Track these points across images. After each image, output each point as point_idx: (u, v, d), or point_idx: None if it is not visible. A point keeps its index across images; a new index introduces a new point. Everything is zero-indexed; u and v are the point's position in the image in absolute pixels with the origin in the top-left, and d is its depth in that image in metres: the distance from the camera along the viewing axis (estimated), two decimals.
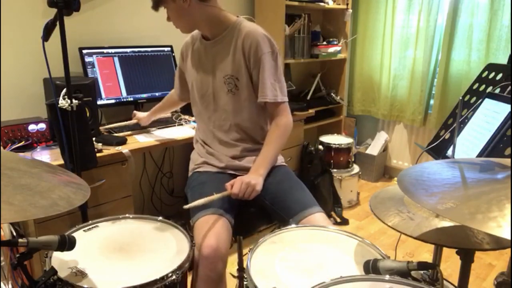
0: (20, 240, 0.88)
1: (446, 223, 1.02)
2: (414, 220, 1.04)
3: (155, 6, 1.43)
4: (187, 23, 1.44)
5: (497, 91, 1.43)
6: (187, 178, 1.60)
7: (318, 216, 1.35)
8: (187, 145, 2.48)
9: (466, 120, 1.43)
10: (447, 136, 1.52)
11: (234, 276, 1.71)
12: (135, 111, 2.04)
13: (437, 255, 1.26)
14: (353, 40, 3.54)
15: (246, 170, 1.47)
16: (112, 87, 2.15)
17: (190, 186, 1.51)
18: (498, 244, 0.94)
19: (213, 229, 1.26)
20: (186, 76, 1.62)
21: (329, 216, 2.81)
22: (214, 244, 1.21)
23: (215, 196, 1.28)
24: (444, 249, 1.10)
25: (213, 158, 1.54)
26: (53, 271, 0.92)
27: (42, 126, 1.80)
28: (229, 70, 1.45)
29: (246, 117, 1.50)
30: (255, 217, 1.48)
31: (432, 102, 3.17)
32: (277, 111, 1.46)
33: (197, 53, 1.53)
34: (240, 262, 1.64)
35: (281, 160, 1.61)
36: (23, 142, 1.73)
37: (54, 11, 1.26)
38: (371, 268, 0.90)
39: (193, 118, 2.27)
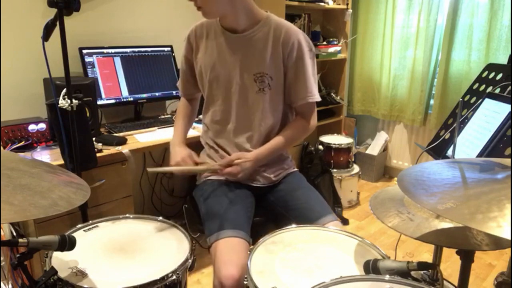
0: (20, 240, 0.88)
1: (446, 224, 1.02)
2: (414, 221, 1.04)
3: None
4: (221, 7, 1.29)
5: (497, 91, 1.43)
6: (187, 178, 1.58)
7: (333, 225, 1.31)
8: (187, 145, 2.48)
9: (466, 120, 1.43)
10: (447, 136, 1.52)
11: None
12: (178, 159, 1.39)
13: (437, 255, 1.26)
14: (353, 40, 3.54)
15: (264, 179, 1.45)
16: (112, 87, 2.15)
17: (203, 195, 1.40)
18: (497, 245, 0.94)
19: (234, 256, 1.17)
20: (196, 70, 1.47)
21: None
22: (235, 274, 1.12)
23: (201, 168, 1.32)
24: (444, 249, 1.10)
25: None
26: (53, 271, 0.92)
27: (42, 126, 1.80)
28: (263, 67, 1.35)
29: (273, 120, 1.41)
30: (265, 225, 1.44)
31: (432, 102, 3.17)
32: (308, 110, 1.44)
33: (216, 46, 1.39)
34: None
35: (293, 166, 1.57)
36: (23, 142, 1.73)
37: (54, 11, 1.26)
38: (371, 268, 0.90)
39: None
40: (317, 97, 1.42)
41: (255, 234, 1.41)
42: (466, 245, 0.95)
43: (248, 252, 1.22)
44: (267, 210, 1.47)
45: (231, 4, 1.29)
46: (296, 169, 1.58)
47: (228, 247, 1.19)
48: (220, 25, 1.39)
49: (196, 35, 1.44)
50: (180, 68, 1.55)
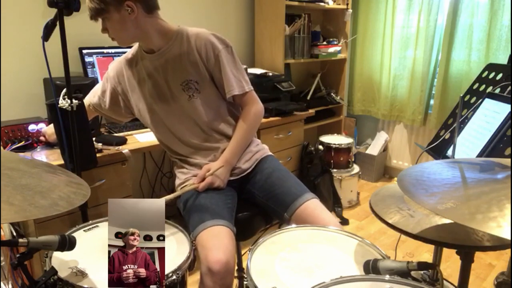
0: (20, 240, 0.88)
1: (447, 220, 1.02)
2: (415, 218, 1.04)
3: (95, 16, 1.32)
4: (131, 35, 1.36)
5: (497, 91, 1.43)
6: None
7: (311, 203, 1.36)
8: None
9: (466, 120, 1.43)
10: (447, 136, 1.52)
11: (234, 276, 1.72)
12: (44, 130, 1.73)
13: (437, 255, 1.26)
14: (353, 40, 3.54)
15: (236, 170, 1.48)
16: None
17: (186, 206, 1.40)
18: (498, 241, 0.94)
19: (220, 242, 1.20)
20: (132, 99, 1.52)
21: None
22: (223, 258, 1.15)
23: (184, 190, 1.36)
24: (444, 249, 1.10)
25: (199, 169, 1.46)
26: (53, 271, 0.92)
27: (42, 126, 1.80)
28: (185, 75, 1.41)
29: (216, 116, 1.46)
30: (252, 220, 1.45)
31: (432, 102, 3.17)
32: (246, 100, 1.48)
33: (143, 71, 1.46)
34: (240, 262, 1.65)
35: (265, 150, 1.59)
36: (23, 142, 1.73)
37: (54, 11, 1.26)
38: (371, 268, 0.90)
39: None
40: (246, 87, 1.47)
41: (246, 230, 1.43)
42: (467, 241, 0.95)
43: (234, 238, 1.27)
44: (252, 204, 1.49)
45: (140, 30, 1.36)
46: (269, 154, 1.59)
47: (211, 235, 1.22)
48: (143, 50, 1.46)
49: (120, 67, 1.52)
50: (99, 84, 1.62)
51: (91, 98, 1.64)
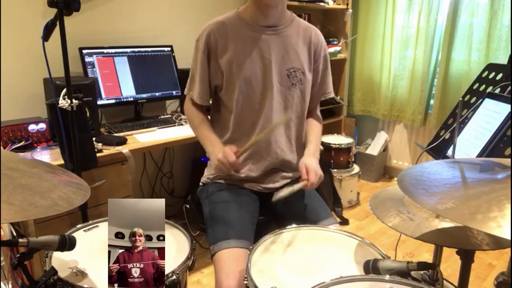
0: (20, 240, 0.88)
1: (446, 224, 1.02)
2: (414, 221, 1.04)
3: None
4: None
5: (497, 91, 1.43)
6: (187, 178, 1.58)
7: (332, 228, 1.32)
8: (187, 145, 2.47)
9: (466, 120, 1.43)
10: (447, 136, 1.52)
11: None
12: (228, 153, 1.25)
13: (437, 255, 1.26)
14: (353, 40, 3.54)
15: (269, 189, 1.42)
16: (112, 87, 2.15)
17: (208, 197, 1.37)
18: (497, 245, 0.94)
19: (237, 267, 1.15)
20: (220, 71, 1.34)
21: None
22: (235, 286, 1.12)
23: (296, 187, 1.25)
24: (444, 249, 1.10)
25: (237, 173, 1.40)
26: (53, 271, 0.92)
27: (42, 126, 1.80)
28: (296, 62, 1.37)
29: (303, 114, 1.44)
30: (265, 222, 1.43)
31: (432, 102, 3.17)
32: (318, 104, 1.54)
33: (248, 41, 1.32)
34: None
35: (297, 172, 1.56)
36: (23, 142, 1.73)
37: (54, 11, 1.26)
38: (371, 268, 0.90)
39: None
40: (332, 93, 1.55)
41: (257, 233, 1.40)
42: (466, 244, 0.94)
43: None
44: (268, 210, 1.46)
45: None
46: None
47: (232, 258, 1.18)
48: (248, 20, 1.33)
49: (217, 34, 1.32)
50: (196, 74, 1.38)
51: (204, 91, 1.38)
